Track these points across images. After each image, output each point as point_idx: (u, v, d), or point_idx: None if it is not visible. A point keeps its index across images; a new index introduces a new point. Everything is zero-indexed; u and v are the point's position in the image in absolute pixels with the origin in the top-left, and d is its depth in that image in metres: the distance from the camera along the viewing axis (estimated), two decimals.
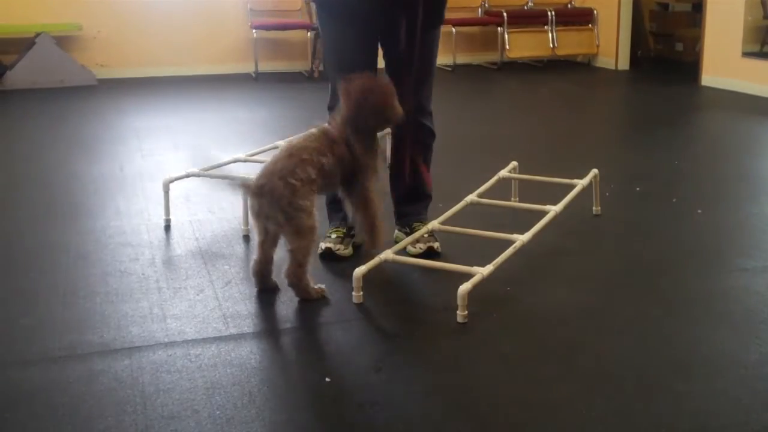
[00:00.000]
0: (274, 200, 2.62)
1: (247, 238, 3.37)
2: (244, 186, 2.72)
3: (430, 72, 3.13)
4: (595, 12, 8.84)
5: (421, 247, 3.09)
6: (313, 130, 2.80)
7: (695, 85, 7.41)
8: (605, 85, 7.95)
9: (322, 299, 2.74)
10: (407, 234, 3.14)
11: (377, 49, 3.10)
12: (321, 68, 8.03)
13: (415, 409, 2.09)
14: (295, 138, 2.80)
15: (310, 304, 2.72)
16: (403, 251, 2.97)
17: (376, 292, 2.80)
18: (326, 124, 2.83)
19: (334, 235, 3.13)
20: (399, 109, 2.78)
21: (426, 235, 3.10)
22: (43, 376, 2.26)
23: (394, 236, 3.24)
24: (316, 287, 2.74)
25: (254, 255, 2.82)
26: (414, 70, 2.99)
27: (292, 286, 2.72)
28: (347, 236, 3.14)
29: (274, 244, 2.77)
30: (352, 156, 2.75)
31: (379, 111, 2.75)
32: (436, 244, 3.11)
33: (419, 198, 3.26)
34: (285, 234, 2.68)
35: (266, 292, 2.82)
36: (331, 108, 3.10)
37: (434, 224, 3.11)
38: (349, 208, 2.85)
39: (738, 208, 3.80)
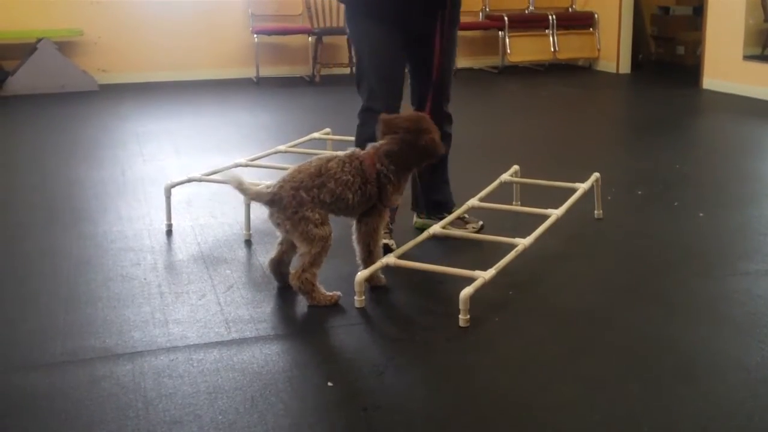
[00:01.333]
0: (282, 209, 2.68)
1: (248, 242, 3.37)
2: (254, 194, 2.75)
3: (452, 71, 3.32)
4: (596, 16, 8.85)
5: (474, 227, 3.36)
6: (355, 155, 2.78)
7: (696, 89, 7.41)
8: (606, 89, 7.96)
9: (333, 306, 2.73)
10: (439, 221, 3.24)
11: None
12: (321, 73, 8.04)
13: (418, 413, 2.09)
14: (333, 157, 2.78)
15: (311, 308, 2.71)
16: (404, 254, 2.97)
17: (378, 296, 2.80)
18: (360, 152, 2.82)
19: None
20: (441, 147, 2.86)
21: (464, 217, 3.33)
22: (45, 381, 2.26)
23: (421, 224, 3.40)
24: (328, 294, 2.74)
25: (272, 253, 2.89)
26: (451, 68, 3.27)
27: (299, 290, 2.73)
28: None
29: (293, 246, 2.80)
30: (380, 196, 2.80)
31: (428, 151, 2.80)
32: (479, 223, 3.38)
33: (447, 186, 3.46)
34: (294, 239, 2.74)
35: (287, 288, 2.84)
36: (367, 110, 3.17)
37: (436, 228, 3.11)
38: (356, 234, 2.88)
39: (739, 211, 3.80)
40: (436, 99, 3.14)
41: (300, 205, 2.66)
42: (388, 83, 3.18)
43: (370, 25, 3.17)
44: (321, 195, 2.68)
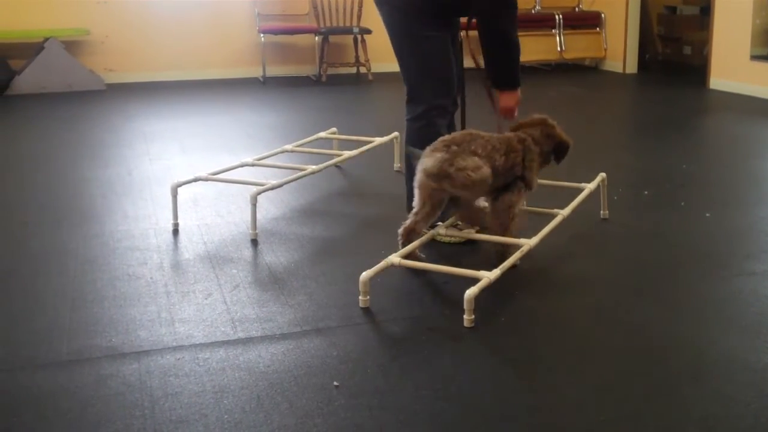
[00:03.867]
0: (455, 186, 2.85)
1: (254, 242, 3.38)
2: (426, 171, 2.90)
3: None
4: (602, 15, 8.84)
5: (471, 231, 3.29)
6: (513, 135, 3.09)
7: (703, 89, 7.40)
8: (613, 89, 7.94)
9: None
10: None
11: None
12: (328, 72, 8.04)
13: (423, 413, 2.09)
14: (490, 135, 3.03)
15: (316, 308, 2.72)
16: (410, 254, 2.97)
17: (383, 296, 2.80)
18: (522, 135, 3.11)
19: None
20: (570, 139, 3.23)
21: (457, 225, 3.30)
22: (51, 380, 2.27)
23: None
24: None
25: (406, 221, 2.98)
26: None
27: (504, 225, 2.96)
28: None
29: (426, 219, 2.93)
30: (523, 169, 2.98)
31: (563, 147, 3.23)
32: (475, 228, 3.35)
33: None
34: (456, 192, 2.90)
35: (409, 257, 2.91)
36: (436, 108, 3.23)
37: (441, 228, 3.11)
38: (491, 212, 3.04)
39: (746, 212, 3.79)
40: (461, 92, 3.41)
41: (454, 156, 2.82)
42: (452, 79, 3.29)
43: (431, 25, 3.21)
44: (472, 147, 2.85)
